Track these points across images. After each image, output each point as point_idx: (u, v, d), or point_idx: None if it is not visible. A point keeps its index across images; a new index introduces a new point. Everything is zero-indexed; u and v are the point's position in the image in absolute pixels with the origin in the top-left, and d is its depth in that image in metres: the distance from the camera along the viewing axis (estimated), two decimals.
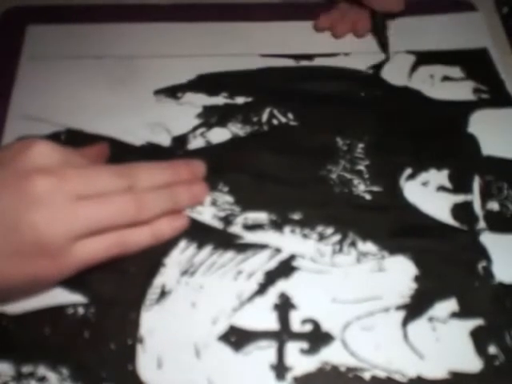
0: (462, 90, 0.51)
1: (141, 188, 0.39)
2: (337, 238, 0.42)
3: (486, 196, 0.44)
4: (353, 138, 0.47)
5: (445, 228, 0.43)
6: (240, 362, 0.37)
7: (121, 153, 0.45)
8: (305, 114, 0.49)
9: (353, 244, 0.42)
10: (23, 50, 0.52)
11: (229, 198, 0.44)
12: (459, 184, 0.45)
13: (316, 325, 0.39)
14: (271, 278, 0.40)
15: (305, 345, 0.38)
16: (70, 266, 0.36)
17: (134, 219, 0.38)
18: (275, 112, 0.49)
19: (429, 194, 0.45)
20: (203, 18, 0.54)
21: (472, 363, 0.37)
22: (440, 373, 0.37)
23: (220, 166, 0.45)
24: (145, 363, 0.37)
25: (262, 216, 0.43)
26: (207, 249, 0.41)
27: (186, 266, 0.41)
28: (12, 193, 0.35)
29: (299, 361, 0.37)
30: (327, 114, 0.49)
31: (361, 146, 0.47)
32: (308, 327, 0.39)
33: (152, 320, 0.38)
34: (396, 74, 0.51)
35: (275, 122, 0.48)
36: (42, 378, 0.36)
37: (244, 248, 0.41)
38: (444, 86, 0.51)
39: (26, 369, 0.36)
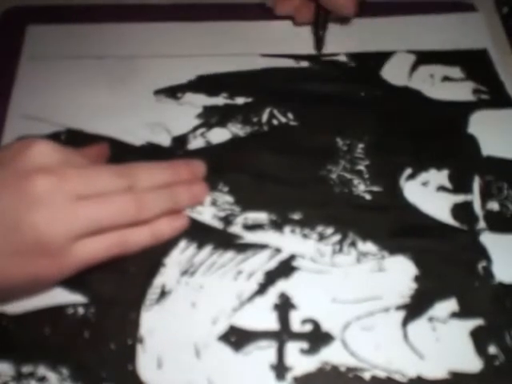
0: (461, 91, 0.51)
1: (141, 188, 0.39)
2: (337, 238, 0.42)
3: (485, 196, 0.44)
4: (353, 138, 0.47)
5: (445, 228, 0.43)
6: (240, 361, 0.37)
7: (121, 153, 0.45)
8: (305, 114, 0.48)
9: (353, 244, 0.42)
10: (23, 50, 0.52)
11: (229, 198, 0.44)
12: (459, 184, 0.45)
13: (316, 325, 0.39)
14: (271, 277, 0.40)
15: (305, 345, 0.38)
16: (70, 266, 0.36)
17: (134, 219, 0.38)
18: (275, 112, 0.49)
19: (429, 194, 0.45)
20: (203, 17, 0.54)
21: (472, 363, 0.37)
22: (440, 373, 0.37)
23: (220, 166, 0.45)
24: (145, 363, 0.37)
25: (261, 216, 0.43)
26: (207, 249, 0.41)
27: (186, 266, 0.41)
28: (12, 193, 0.35)
29: (299, 361, 0.37)
30: (327, 114, 0.49)
31: (361, 146, 0.47)
32: (308, 327, 0.39)
33: (152, 320, 0.38)
34: (396, 73, 0.51)
35: (275, 122, 0.48)
36: (42, 378, 0.36)
37: (244, 248, 0.41)
38: (444, 87, 0.51)
39: (26, 369, 0.36)
